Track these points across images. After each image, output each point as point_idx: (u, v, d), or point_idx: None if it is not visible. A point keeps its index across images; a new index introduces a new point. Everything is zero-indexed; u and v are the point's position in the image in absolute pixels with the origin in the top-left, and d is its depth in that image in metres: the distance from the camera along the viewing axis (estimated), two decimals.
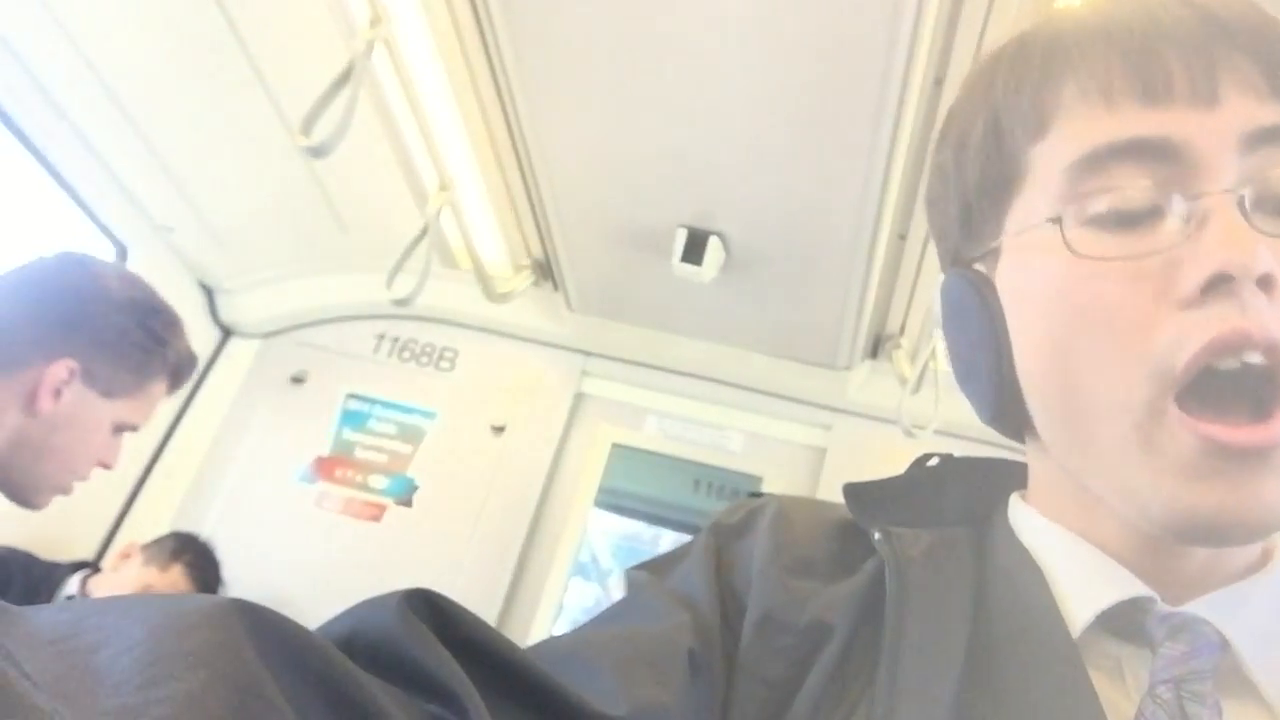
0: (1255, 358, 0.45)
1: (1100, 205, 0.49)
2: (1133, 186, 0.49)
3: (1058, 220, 0.51)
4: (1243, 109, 0.48)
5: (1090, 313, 0.49)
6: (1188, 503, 0.46)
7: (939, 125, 1.93)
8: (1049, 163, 0.52)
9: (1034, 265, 0.52)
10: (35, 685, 0.27)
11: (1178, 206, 0.48)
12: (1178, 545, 0.50)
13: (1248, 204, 0.47)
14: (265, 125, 2.16)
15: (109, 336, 1.35)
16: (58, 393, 1.31)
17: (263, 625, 0.35)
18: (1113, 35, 0.51)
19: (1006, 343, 0.55)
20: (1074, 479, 0.54)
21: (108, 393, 1.36)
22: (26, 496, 1.35)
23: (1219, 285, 0.45)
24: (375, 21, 1.64)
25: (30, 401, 1.29)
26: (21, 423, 1.29)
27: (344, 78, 1.58)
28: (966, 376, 0.59)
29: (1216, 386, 0.45)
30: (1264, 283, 0.45)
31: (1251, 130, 0.48)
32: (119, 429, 1.41)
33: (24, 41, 1.96)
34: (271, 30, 1.94)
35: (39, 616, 0.32)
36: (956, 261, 0.60)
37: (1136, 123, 0.49)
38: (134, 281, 1.42)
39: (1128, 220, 0.49)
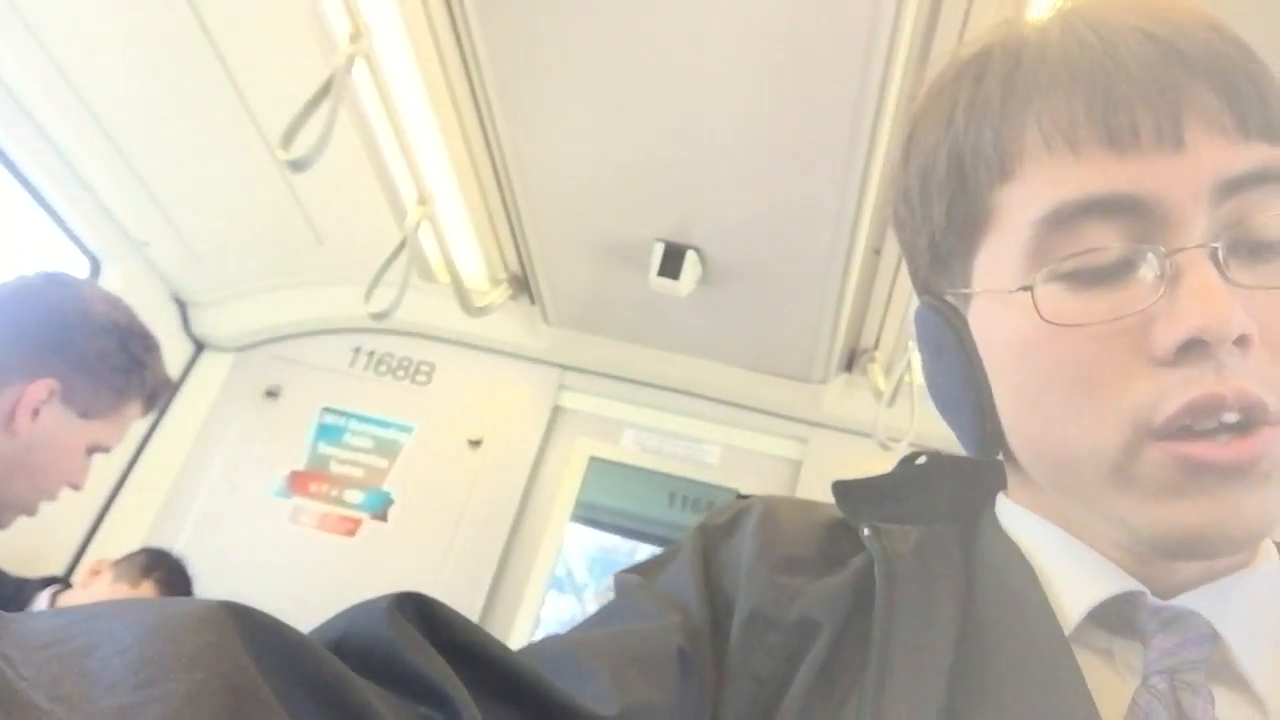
0: (1231, 417, 0.45)
1: (1070, 266, 0.49)
2: (1103, 245, 0.48)
3: (1029, 289, 0.50)
4: (1212, 154, 0.48)
5: (1064, 371, 0.49)
6: (1171, 522, 0.46)
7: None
8: (1016, 212, 0.51)
9: (1005, 323, 0.52)
10: (32, 686, 0.28)
11: (1150, 262, 0.48)
12: (1166, 560, 0.51)
13: (1221, 255, 0.47)
14: (243, 139, 2.16)
15: (90, 359, 1.35)
16: (36, 412, 1.30)
17: (255, 627, 0.35)
18: (1074, 72, 0.50)
19: (985, 380, 0.55)
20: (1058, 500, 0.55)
21: (85, 413, 1.36)
22: None
23: (1194, 349, 0.45)
24: (355, 36, 1.64)
25: (8, 420, 1.29)
26: None
27: (323, 92, 1.58)
28: (947, 409, 0.60)
29: (1194, 434, 0.46)
30: (1240, 341, 0.45)
31: (1222, 180, 0.47)
32: (91, 450, 1.41)
33: (0, 54, 1.95)
34: (250, 44, 1.94)
35: (31, 621, 0.32)
36: (928, 290, 0.60)
37: (1104, 176, 0.48)
38: (116, 304, 1.42)
39: (1099, 277, 0.48)
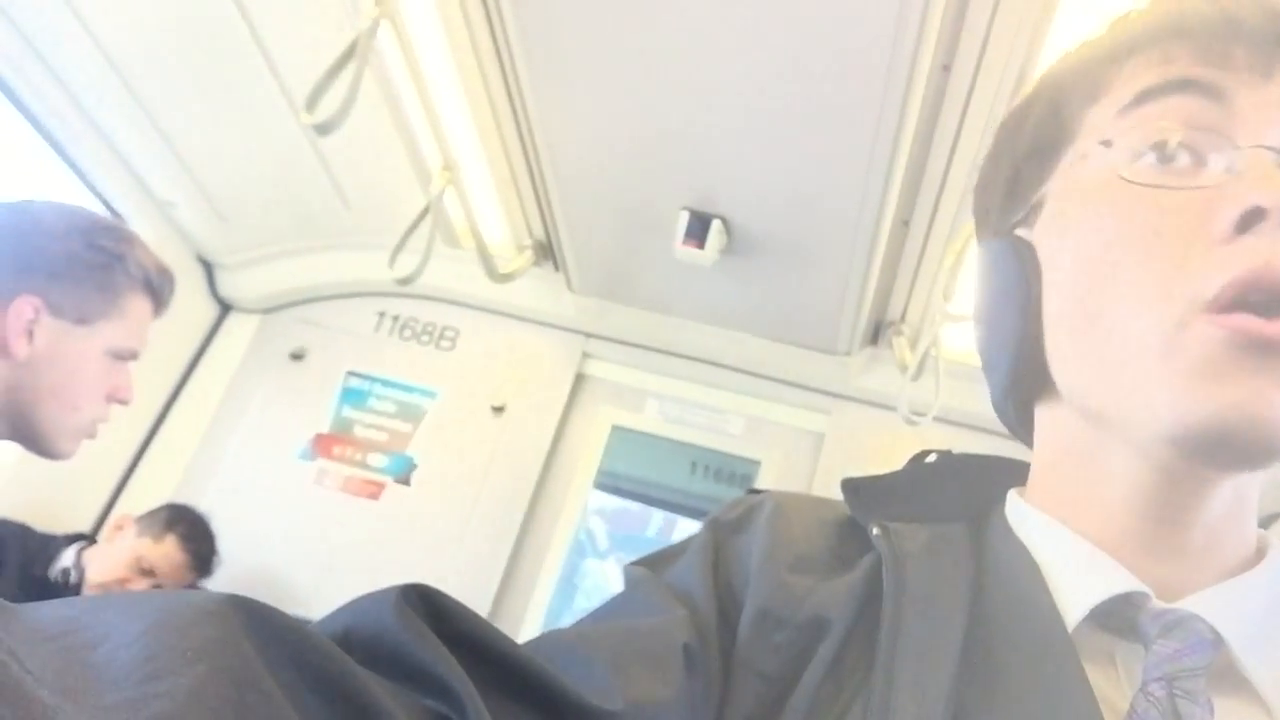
0: None
1: (1149, 139, 0.51)
2: (1180, 125, 0.51)
3: (1108, 143, 0.53)
4: None
5: (1130, 235, 0.50)
6: (1202, 403, 0.46)
7: (945, 111, 1.93)
8: (1102, 114, 0.54)
9: (1079, 193, 0.54)
10: (37, 681, 0.28)
11: (1222, 154, 0.50)
12: (1186, 465, 0.50)
13: None
14: (269, 101, 2.15)
15: (59, 264, 1.31)
16: (30, 333, 1.27)
17: (261, 621, 0.35)
18: (1183, 22, 0.53)
19: (1036, 296, 0.56)
20: (1086, 420, 0.54)
21: (81, 319, 1.32)
22: (46, 446, 1.32)
23: (1252, 221, 0.46)
24: None
25: (3, 347, 1.26)
26: (4, 370, 1.26)
27: (348, 55, 1.57)
28: (989, 336, 0.61)
29: (1245, 307, 0.46)
30: None
31: None
32: (116, 356, 1.37)
33: (26, 14, 1.95)
34: (277, 5, 1.93)
35: (38, 613, 0.32)
36: (997, 233, 0.61)
37: (1189, 70, 0.51)
38: (69, 209, 1.37)
39: (1173, 158, 0.51)
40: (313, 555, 2.61)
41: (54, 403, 1.31)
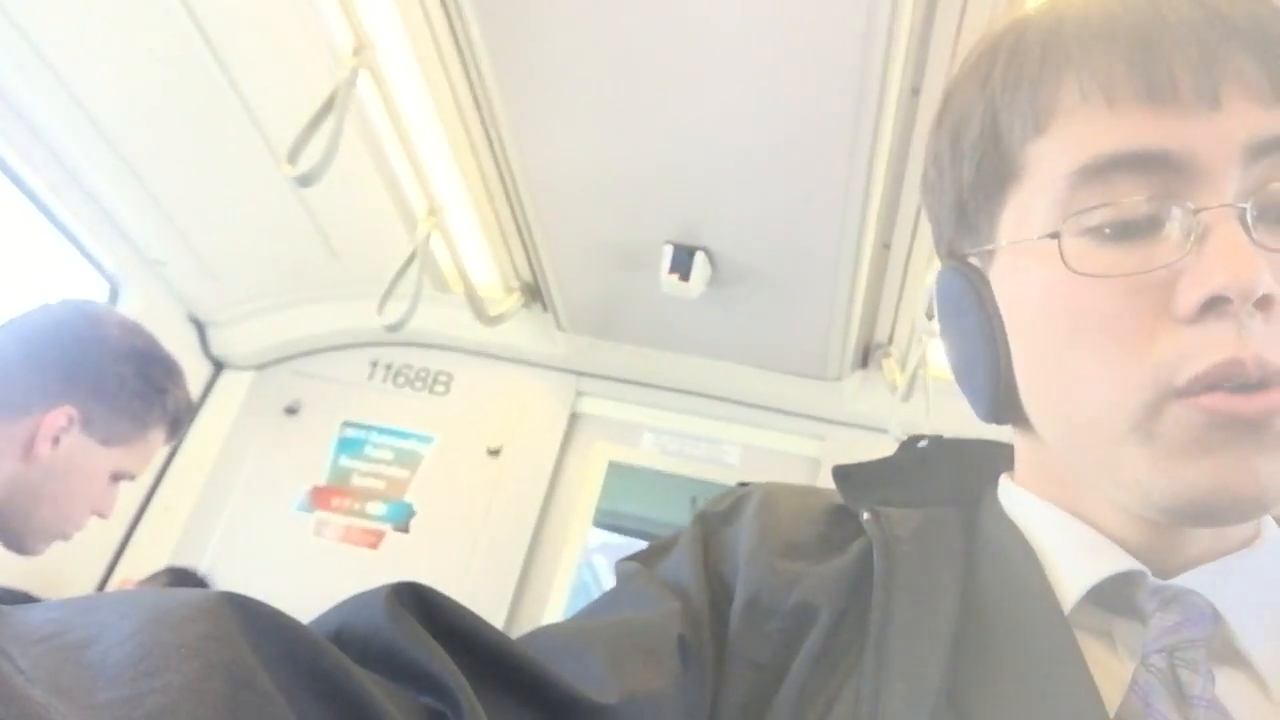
0: (1252, 382, 0.45)
1: (1099, 218, 0.48)
2: (1132, 200, 0.48)
3: (1056, 236, 0.49)
4: (1245, 115, 0.47)
5: (1088, 323, 0.48)
6: (1186, 481, 0.46)
7: (917, 134, 1.95)
8: (1047, 165, 0.51)
9: (1030, 274, 0.52)
10: (29, 680, 0.28)
11: (1178, 219, 0.47)
12: (1175, 527, 0.50)
13: (1249, 218, 0.46)
14: (254, 156, 2.18)
15: (109, 385, 1.35)
16: (56, 440, 1.31)
17: (255, 618, 0.35)
18: (1116, 32, 0.49)
19: (1004, 340, 0.54)
20: (1068, 467, 0.54)
21: (106, 441, 1.36)
22: (22, 543, 1.34)
23: (1216, 306, 0.45)
24: (358, 49, 1.66)
25: (28, 448, 1.29)
26: (18, 469, 1.29)
27: (328, 106, 1.59)
28: (964, 372, 0.59)
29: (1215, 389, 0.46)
30: (1262, 303, 0.45)
31: (1255, 141, 0.47)
32: (116, 477, 1.41)
33: (12, 79, 1.97)
34: (257, 61, 1.96)
35: (28, 614, 0.33)
36: (951, 254, 0.60)
37: (1138, 131, 0.48)
38: (135, 330, 1.42)
39: (1126, 232, 0.48)
40: (314, 607, 2.56)
41: (50, 508, 1.34)
